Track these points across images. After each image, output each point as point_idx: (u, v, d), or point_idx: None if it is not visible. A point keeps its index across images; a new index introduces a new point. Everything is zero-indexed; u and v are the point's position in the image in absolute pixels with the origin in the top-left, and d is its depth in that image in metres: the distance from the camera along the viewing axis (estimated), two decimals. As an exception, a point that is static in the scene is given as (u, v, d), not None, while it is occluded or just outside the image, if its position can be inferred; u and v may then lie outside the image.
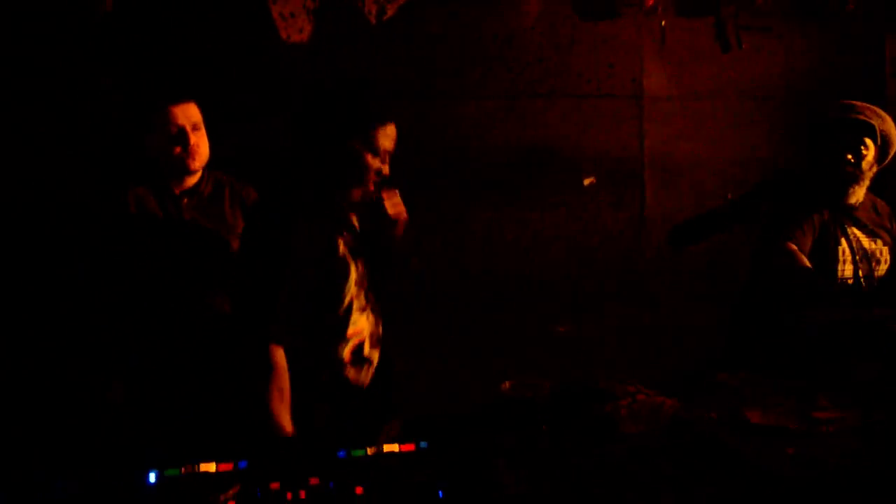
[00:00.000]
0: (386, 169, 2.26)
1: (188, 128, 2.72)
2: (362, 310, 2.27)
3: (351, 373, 2.25)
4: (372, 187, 2.25)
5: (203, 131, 2.78)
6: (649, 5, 3.81)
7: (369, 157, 2.21)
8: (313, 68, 3.43)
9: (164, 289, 2.72)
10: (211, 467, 1.61)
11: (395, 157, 2.27)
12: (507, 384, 1.86)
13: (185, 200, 2.79)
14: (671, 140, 3.97)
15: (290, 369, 2.09)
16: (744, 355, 2.68)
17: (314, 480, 1.57)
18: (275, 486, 1.55)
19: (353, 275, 2.23)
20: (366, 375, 2.29)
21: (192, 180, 2.81)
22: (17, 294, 3.06)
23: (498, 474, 1.63)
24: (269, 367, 2.04)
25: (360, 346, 2.26)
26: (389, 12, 3.53)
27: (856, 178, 2.78)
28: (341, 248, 2.22)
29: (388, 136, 2.23)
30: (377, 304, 2.36)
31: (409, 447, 1.72)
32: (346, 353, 2.23)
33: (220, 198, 2.86)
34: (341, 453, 1.69)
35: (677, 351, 3.90)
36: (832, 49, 4.10)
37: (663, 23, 3.91)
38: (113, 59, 3.24)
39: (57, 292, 2.94)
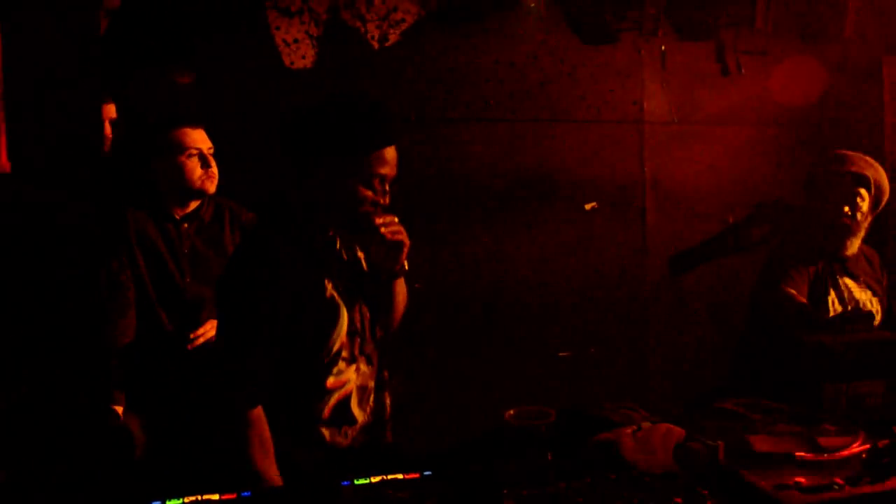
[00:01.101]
0: (384, 199, 1.98)
1: (205, 150, 2.76)
2: (351, 361, 2.04)
3: (327, 433, 2.02)
4: (365, 222, 1.98)
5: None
6: (648, 28, 3.84)
7: (360, 188, 1.95)
8: (316, 94, 3.45)
9: (162, 314, 2.71)
10: (214, 497, 1.60)
11: (396, 182, 2.04)
12: (511, 412, 1.84)
13: (185, 225, 2.79)
14: (672, 165, 3.98)
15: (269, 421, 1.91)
16: (749, 381, 2.68)
17: (318, 511, 1.56)
18: (278, 516, 1.54)
19: (344, 321, 1.99)
20: (345, 437, 2.04)
21: (193, 205, 2.82)
22: (16, 318, 3.05)
23: (502, 503, 1.62)
24: (246, 423, 1.86)
25: (343, 402, 2.03)
26: (392, 38, 3.55)
27: (852, 229, 2.83)
28: (329, 289, 1.98)
29: (384, 162, 1.95)
30: (375, 354, 2.12)
31: (413, 476, 1.71)
32: (326, 409, 2.01)
33: (221, 223, 2.87)
34: (345, 482, 1.68)
35: (682, 376, 3.89)
36: (831, 73, 4.12)
37: (663, 47, 3.93)
38: (115, 83, 3.25)
39: (56, 316, 2.93)
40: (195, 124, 2.78)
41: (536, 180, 3.80)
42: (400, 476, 1.71)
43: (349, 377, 2.04)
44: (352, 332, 2.03)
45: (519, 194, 3.79)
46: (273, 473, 1.87)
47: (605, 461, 1.82)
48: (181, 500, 1.59)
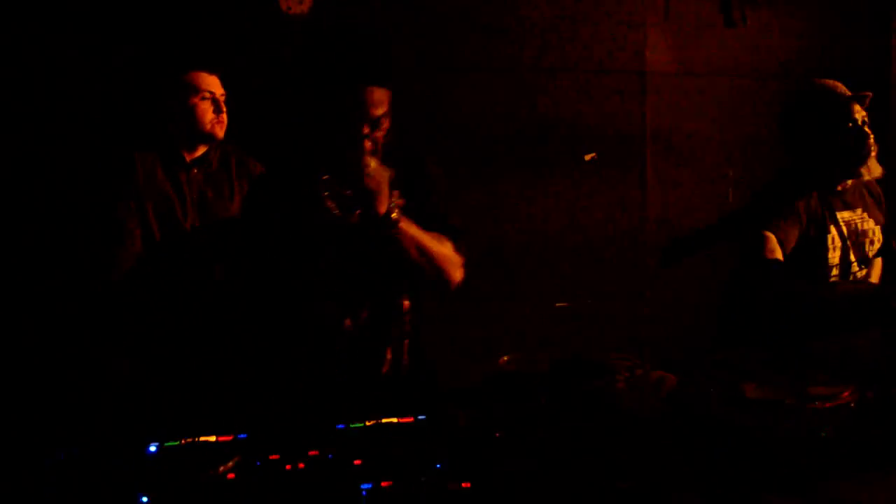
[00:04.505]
0: (370, 140, 1.88)
1: (218, 95, 2.78)
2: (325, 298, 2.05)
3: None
4: (355, 154, 1.86)
5: None
6: None
7: (343, 129, 1.87)
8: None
9: (168, 259, 2.73)
10: (211, 439, 1.62)
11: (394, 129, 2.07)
12: (506, 358, 1.86)
13: (195, 171, 2.81)
14: (674, 116, 3.95)
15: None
16: (741, 332, 2.65)
17: (313, 452, 1.58)
18: (274, 457, 1.56)
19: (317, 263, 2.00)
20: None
21: (202, 149, 2.83)
22: (23, 265, 3.06)
23: (496, 447, 1.64)
24: None
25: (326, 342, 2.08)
26: (392, -16, 3.50)
27: (875, 149, 2.62)
28: (306, 232, 1.98)
29: (364, 103, 1.86)
30: (369, 306, 2.11)
31: (408, 420, 1.73)
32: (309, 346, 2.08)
33: (227, 169, 2.88)
34: (340, 425, 1.70)
35: (677, 326, 3.91)
36: (837, 27, 4.06)
37: (667, -3, 3.88)
38: (119, 28, 3.24)
39: (62, 263, 2.95)
40: (212, 69, 2.79)
41: (537, 130, 3.78)
42: (395, 420, 1.73)
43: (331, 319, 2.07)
44: (329, 276, 2.03)
45: (519, 144, 3.77)
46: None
47: (598, 407, 1.84)
48: (178, 442, 1.61)
